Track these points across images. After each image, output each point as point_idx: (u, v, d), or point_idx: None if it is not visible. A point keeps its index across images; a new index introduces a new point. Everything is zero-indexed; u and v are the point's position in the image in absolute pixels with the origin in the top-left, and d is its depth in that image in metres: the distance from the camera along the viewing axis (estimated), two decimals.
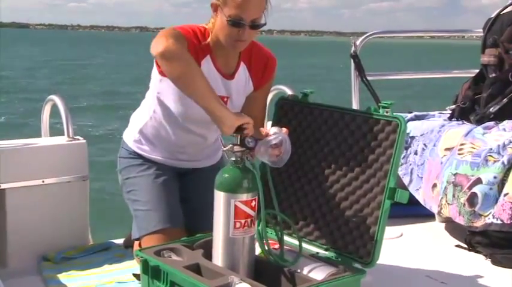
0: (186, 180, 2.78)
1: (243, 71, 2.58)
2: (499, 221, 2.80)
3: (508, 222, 2.78)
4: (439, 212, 3.15)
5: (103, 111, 18.91)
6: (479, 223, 2.88)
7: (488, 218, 2.84)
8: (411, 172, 3.41)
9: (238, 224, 2.12)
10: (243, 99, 2.63)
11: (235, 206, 2.11)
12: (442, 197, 3.08)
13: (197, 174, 2.78)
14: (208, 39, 2.47)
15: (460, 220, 2.97)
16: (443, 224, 3.43)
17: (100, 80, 28.55)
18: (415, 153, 3.41)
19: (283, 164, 2.20)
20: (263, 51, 2.63)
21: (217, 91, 2.46)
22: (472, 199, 2.89)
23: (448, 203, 3.03)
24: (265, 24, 2.41)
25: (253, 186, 2.13)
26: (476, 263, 2.93)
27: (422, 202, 3.30)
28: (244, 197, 2.11)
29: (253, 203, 2.14)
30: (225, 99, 2.56)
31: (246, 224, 2.12)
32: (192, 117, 2.56)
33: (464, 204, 2.92)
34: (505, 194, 2.82)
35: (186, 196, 2.75)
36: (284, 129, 2.22)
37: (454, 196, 2.99)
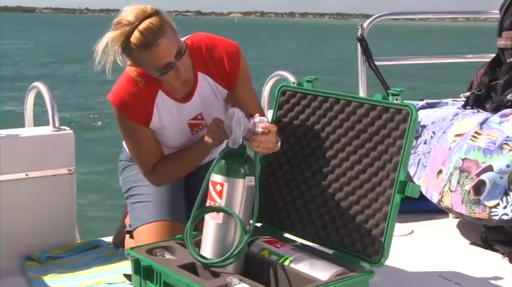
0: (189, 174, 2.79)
1: (204, 81, 2.57)
2: None
3: None
4: (440, 201, 3.12)
5: (94, 99, 18.87)
6: (483, 215, 2.86)
7: (497, 214, 2.82)
8: (418, 163, 3.40)
9: (207, 204, 2.23)
10: (219, 106, 2.63)
11: (207, 183, 2.22)
12: (445, 184, 3.05)
13: (201, 166, 2.79)
14: (145, 78, 2.48)
15: (462, 209, 2.94)
16: (457, 221, 3.43)
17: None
18: (425, 143, 3.39)
19: (234, 143, 2.20)
20: (216, 48, 2.57)
21: (186, 117, 2.59)
22: (478, 187, 2.87)
23: (451, 191, 3.00)
24: (186, 45, 2.42)
25: (224, 169, 2.19)
26: (492, 262, 2.93)
27: (424, 191, 3.28)
28: (214, 177, 2.20)
29: (217, 187, 2.19)
30: (199, 116, 2.60)
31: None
32: (174, 146, 2.64)
33: (469, 191, 2.90)
34: None
35: (187, 187, 2.79)
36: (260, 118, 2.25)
37: (458, 182, 2.96)
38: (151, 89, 2.51)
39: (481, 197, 2.85)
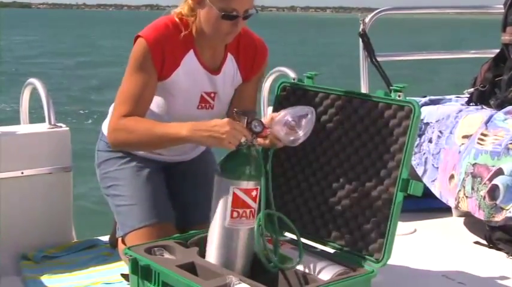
0: (172, 172, 2.77)
1: (230, 63, 2.57)
2: None
3: None
4: (457, 206, 3.14)
5: (90, 96, 18.86)
6: (500, 217, 2.87)
7: (510, 212, 2.84)
8: (425, 162, 3.40)
9: (235, 214, 2.14)
10: (231, 93, 2.63)
11: (234, 193, 2.13)
12: (459, 190, 3.07)
13: (184, 165, 2.79)
14: (186, 31, 2.45)
15: (480, 215, 2.96)
16: (461, 219, 3.43)
17: (96, 63, 28.54)
18: (430, 141, 3.40)
19: (293, 142, 2.23)
20: (252, 39, 2.61)
21: (204, 88, 2.54)
22: (493, 192, 2.89)
23: (466, 196, 3.02)
24: (256, 12, 2.42)
25: (256, 174, 2.15)
26: (497, 262, 2.93)
27: (438, 195, 3.30)
28: (245, 184, 2.13)
29: (253, 193, 2.15)
30: (212, 95, 2.57)
31: (244, 214, 2.14)
32: (172, 111, 2.54)
33: (484, 197, 2.92)
34: None
35: (174, 190, 2.75)
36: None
37: (473, 188, 2.99)
38: (185, 44, 2.47)
39: (497, 202, 2.88)
